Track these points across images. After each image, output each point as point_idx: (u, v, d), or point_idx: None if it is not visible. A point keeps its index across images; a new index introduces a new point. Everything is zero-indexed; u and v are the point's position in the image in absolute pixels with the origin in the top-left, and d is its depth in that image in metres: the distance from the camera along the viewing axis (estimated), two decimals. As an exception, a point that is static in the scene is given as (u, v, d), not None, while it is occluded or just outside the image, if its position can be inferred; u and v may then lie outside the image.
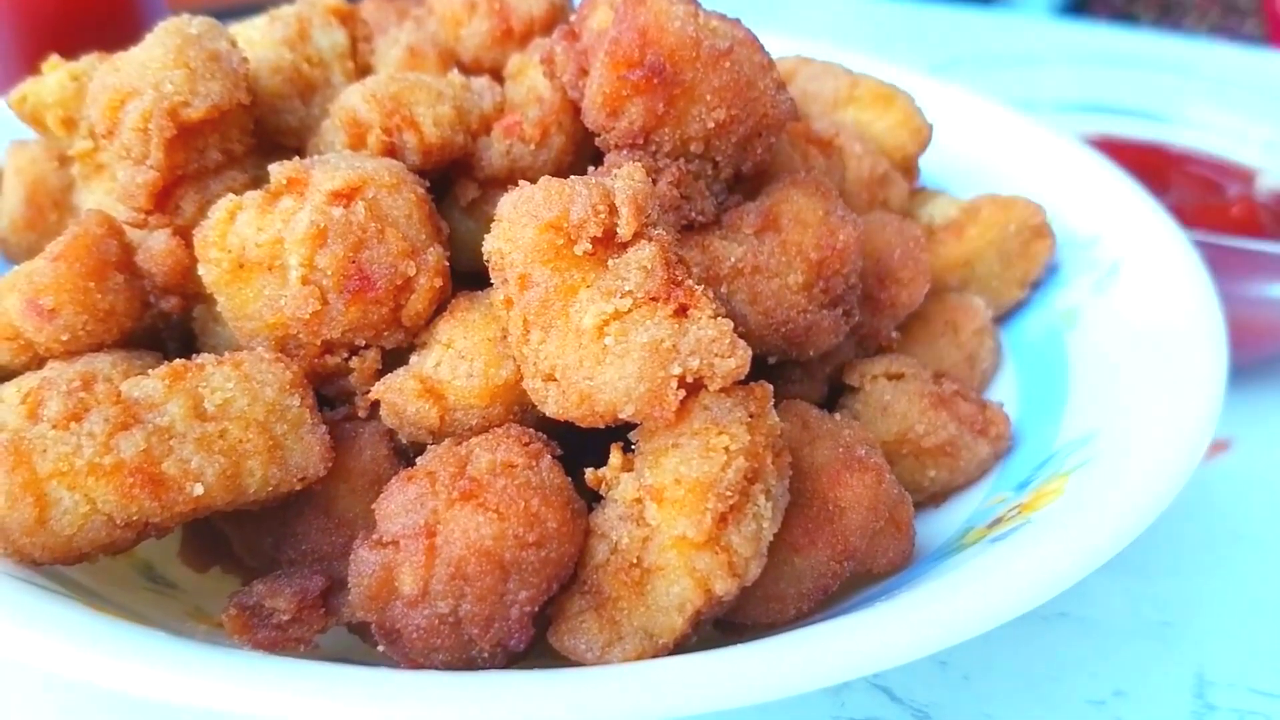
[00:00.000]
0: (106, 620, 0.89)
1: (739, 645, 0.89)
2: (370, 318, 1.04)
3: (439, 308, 1.08)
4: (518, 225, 0.96)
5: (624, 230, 0.96)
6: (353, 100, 1.14)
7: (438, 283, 1.06)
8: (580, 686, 0.84)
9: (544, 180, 0.98)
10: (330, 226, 1.01)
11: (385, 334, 1.06)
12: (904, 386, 1.26)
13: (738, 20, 1.13)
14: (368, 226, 1.02)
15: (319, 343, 1.05)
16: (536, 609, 0.93)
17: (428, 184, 1.11)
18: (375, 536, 0.94)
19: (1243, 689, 1.28)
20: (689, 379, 0.92)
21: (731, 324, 0.93)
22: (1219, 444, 1.67)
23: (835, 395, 1.29)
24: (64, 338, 1.04)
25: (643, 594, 0.92)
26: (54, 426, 0.92)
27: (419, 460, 0.98)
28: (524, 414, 1.03)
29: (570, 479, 0.98)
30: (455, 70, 1.25)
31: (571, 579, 0.96)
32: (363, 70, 1.31)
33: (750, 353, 0.93)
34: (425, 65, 1.29)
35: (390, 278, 1.03)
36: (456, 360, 1.03)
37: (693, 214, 1.13)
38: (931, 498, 1.27)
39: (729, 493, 0.90)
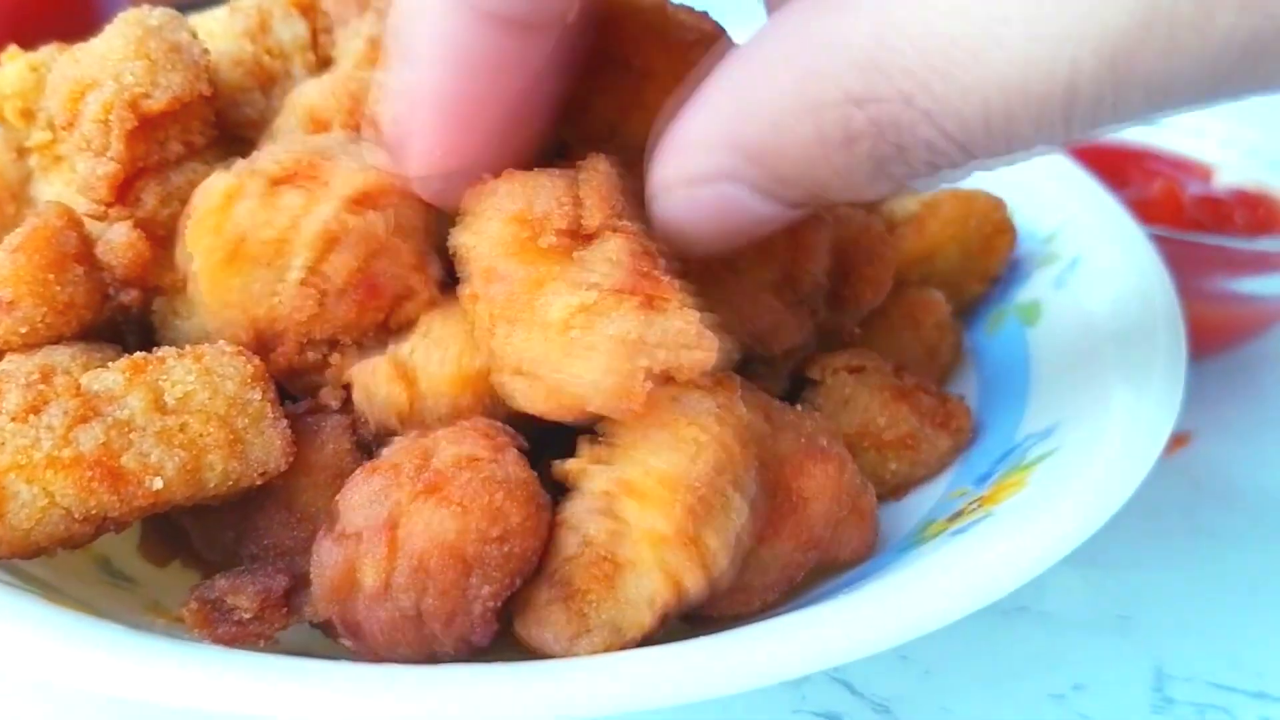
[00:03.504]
0: (64, 613, 0.89)
1: (699, 639, 0.89)
2: (364, 322, 1.03)
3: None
4: (483, 219, 0.96)
5: (589, 222, 0.95)
6: (309, 97, 1.13)
7: (436, 294, 1.05)
8: (542, 679, 0.85)
9: (508, 173, 0.98)
10: (347, 232, 0.99)
11: (370, 335, 1.05)
12: (865, 380, 1.26)
13: (705, 14, 1.13)
14: (384, 237, 1.01)
15: (303, 339, 1.04)
16: (499, 604, 0.93)
17: None
18: (338, 528, 0.93)
19: (1201, 682, 1.29)
20: (657, 371, 0.92)
21: (699, 315, 0.93)
22: (1181, 438, 1.68)
23: (797, 389, 1.29)
24: (22, 330, 1.02)
25: (613, 587, 0.92)
26: (12, 419, 0.91)
27: (383, 452, 0.98)
28: (495, 406, 1.02)
29: (537, 472, 0.97)
30: None
31: (539, 571, 0.96)
32: (323, 62, 1.30)
33: (717, 344, 0.93)
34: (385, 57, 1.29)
35: (397, 289, 1.02)
36: (431, 347, 1.02)
37: None
38: (892, 491, 1.27)
39: (699, 485, 0.90)
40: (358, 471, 0.96)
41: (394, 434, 1.03)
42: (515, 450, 0.96)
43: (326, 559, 0.93)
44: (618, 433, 0.96)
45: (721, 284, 1.11)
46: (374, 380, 1.02)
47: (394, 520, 0.90)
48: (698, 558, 0.91)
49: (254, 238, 1.00)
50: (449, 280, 1.09)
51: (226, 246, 1.01)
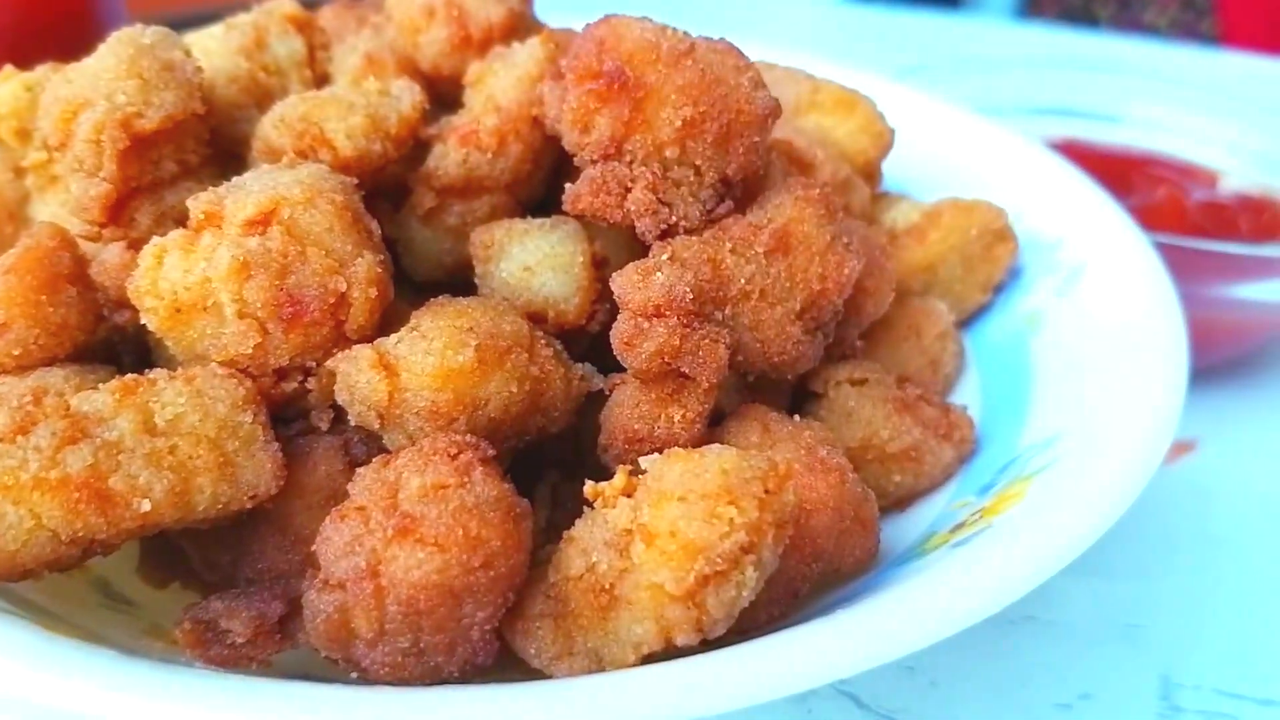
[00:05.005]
0: (51, 638, 0.89)
1: (701, 655, 0.88)
2: (313, 339, 1.02)
3: (394, 314, 1.06)
4: None
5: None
6: (264, 129, 1.13)
7: (372, 293, 1.03)
8: (542, 698, 0.84)
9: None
10: (250, 258, 0.99)
11: (334, 352, 1.03)
12: (868, 392, 1.25)
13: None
14: (287, 251, 1.00)
15: (271, 372, 1.03)
16: (497, 623, 0.92)
17: (355, 181, 1.09)
18: (322, 578, 0.92)
19: (1209, 690, 1.29)
20: None
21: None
22: (1185, 445, 1.67)
23: (799, 401, 1.28)
24: (15, 352, 1.02)
25: (605, 620, 0.91)
26: (0, 440, 0.91)
27: (350, 490, 0.96)
28: (476, 409, 1.00)
29: (509, 477, 0.96)
30: (371, 79, 1.23)
31: (534, 579, 0.96)
32: (320, 79, 1.30)
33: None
34: (383, 73, 1.28)
35: (321, 298, 1.01)
36: (417, 339, 1.00)
37: (674, 219, 1.10)
38: (896, 502, 1.27)
39: (719, 559, 0.87)
40: (328, 518, 0.95)
41: (374, 436, 1.03)
42: (483, 466, 0.94)
43: (316, 608, 0.92)
44: (659, 479, 0.93)
45: (756, 313, 1.11)
46: (355, 367, 1.00)
47: (373, 569, 0.89)
48: (695, 620, 0.88)
49: (182, 287, 1.00)
50: (421, 283, 1.09)
51: (166, 303, 1.01)
